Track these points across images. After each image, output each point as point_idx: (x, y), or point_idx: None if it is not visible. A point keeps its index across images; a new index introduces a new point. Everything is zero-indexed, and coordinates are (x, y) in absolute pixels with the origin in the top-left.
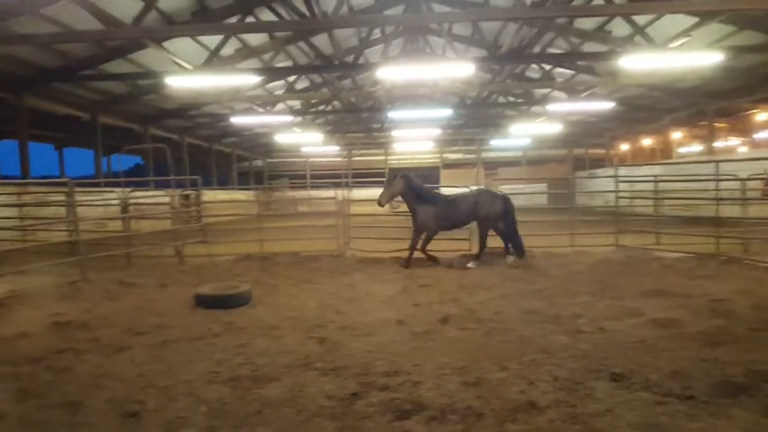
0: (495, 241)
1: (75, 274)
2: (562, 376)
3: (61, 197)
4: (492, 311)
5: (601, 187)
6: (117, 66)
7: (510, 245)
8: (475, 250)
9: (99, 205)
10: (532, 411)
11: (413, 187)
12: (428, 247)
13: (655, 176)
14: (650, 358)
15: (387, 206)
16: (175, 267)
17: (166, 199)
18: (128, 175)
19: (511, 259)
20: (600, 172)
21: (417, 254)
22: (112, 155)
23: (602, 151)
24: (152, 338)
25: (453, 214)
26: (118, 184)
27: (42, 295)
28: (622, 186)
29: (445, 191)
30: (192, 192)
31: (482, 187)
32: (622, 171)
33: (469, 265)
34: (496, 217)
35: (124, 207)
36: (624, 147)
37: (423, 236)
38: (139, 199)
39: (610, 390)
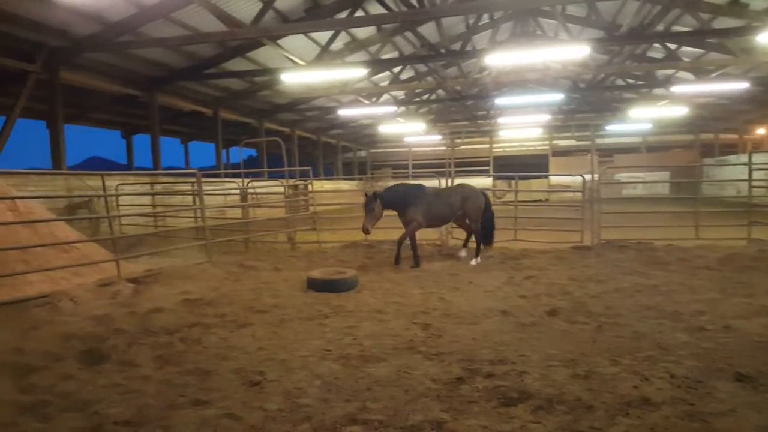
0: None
1: (201, 256)
2: (680, 374)
3: (187, 187)
4: (604, 305)
5: (732, 175)
6: (236, 64)
7: (474, 240)
8: (469, 245)
9: (220, 194)
10: (645, 406)
11: (393, 200)
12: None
13: None
14: None
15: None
16: (287, 252)
17: (280, 189)
18: (243, 166)
19: (464, 253)
20: (732, 159)
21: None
22: (231, 148)
23: (734, 137)
24: (270, 316)
25: (442, 209)
26: (237, 175)
27: (173, 275)
28: (758, 174)
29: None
30: (302, 182)
31: (462, 182)
32: (758, 158)
33: (461, 254)
34: (480, 212)
35: (243, 196)
36: (761, 131)
37: (410, 229)
38: (256, 189)
39: (734, 390)
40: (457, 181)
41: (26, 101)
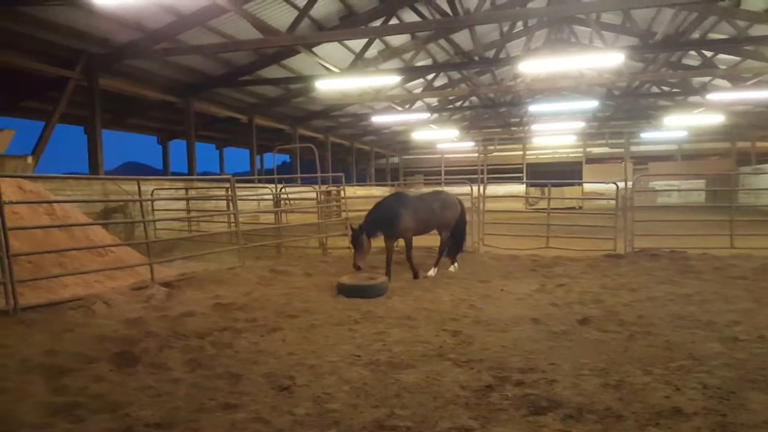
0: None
1: (234, 261)
2: (713, 385)
3: (222, 192)
4: (636, 314)
5: None
6: (272, 72)
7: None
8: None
9: (254, 200)
10: (676, 417)
11: (379, 223)
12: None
13: None
14: None
15: (525, 204)
16: (318, 258)
17: (313, 195)
18: (277, 172)
19: (455, 266)
20: None
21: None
22: (265, 154)
23: None
24: (300, 321)
25: (428, 215)
26: (271, 181)
27: (206, 279)
28: None
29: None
30: (334, 188)
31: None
32: None
33: (451, 269)
34: (454, 221)
35: (276, 201)
36: None
37: (407, 241)
38: (289, 195)
39: None
40: (490, 188)
41: (65, 107)
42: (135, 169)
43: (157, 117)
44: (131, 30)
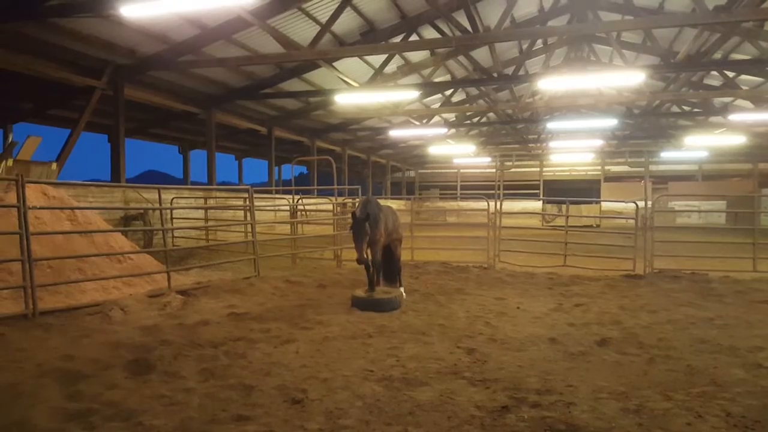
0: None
1: (249, 270)
2: (736, 413)
3: (240, 202)
4: (656, 337)
5: None
6: (292, 85)
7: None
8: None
9: (271, 210)
10: None
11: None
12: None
13: None
14: None
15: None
16: (333, 269)
17: (329, 207)
18: (294, 183)
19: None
20: None
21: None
22: (283, 165)
23: None
24: (314, 333)
25: (391, 226)
26: (288, 192)
27: (221, 288)
28: None
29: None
30: (350, 200)
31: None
32: None
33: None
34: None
35: (293, 212)
36: None
37: (379, 248)
38: (305, 206)
39: None
40: (507, 203)
41: (90, 116)
42: (156, 178)
43: (179, 127)
44: (157, 42)
